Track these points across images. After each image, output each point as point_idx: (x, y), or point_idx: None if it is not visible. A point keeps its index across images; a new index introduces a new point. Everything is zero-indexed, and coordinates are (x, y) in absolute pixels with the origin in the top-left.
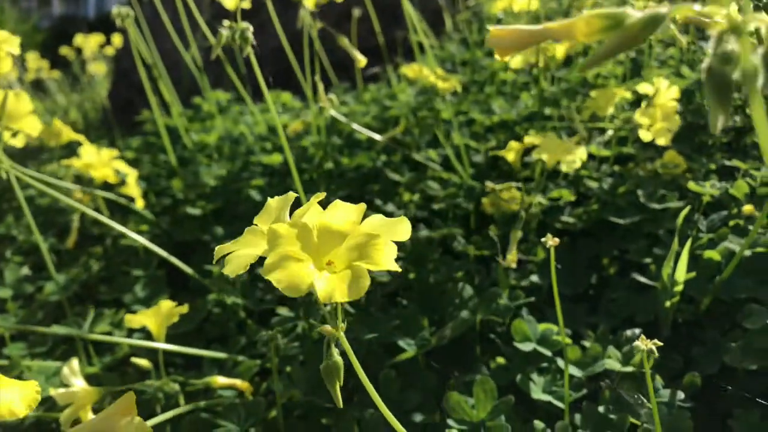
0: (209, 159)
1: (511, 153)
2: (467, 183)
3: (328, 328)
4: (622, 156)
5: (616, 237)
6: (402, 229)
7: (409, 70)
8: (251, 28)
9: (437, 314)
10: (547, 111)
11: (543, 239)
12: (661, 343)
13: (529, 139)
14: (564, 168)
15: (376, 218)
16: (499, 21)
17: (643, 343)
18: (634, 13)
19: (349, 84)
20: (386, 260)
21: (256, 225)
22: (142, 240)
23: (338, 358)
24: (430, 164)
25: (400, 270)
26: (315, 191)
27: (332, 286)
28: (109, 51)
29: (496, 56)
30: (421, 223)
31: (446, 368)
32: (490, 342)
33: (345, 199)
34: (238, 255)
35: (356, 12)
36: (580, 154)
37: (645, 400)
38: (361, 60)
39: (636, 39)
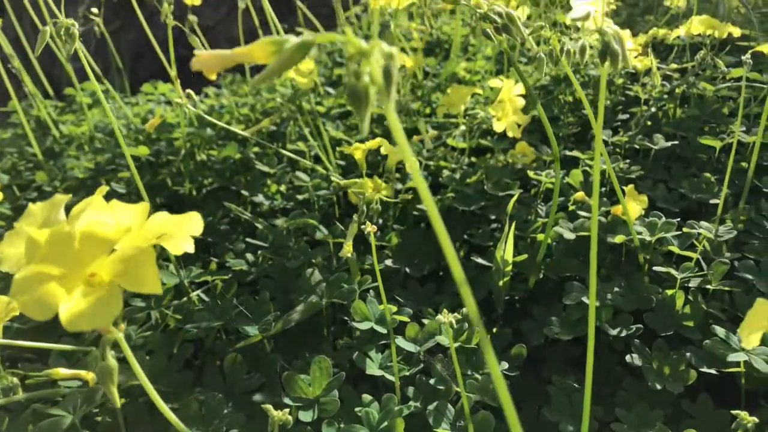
0: (79, 151)
1: (357, 152)
2: (332, 174)
3: (112, 329)
4: (481, 148)
5: (465, 222)
6: (193, 224)
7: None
8: (77, 25)
9: (290, 299)
10: (416, 105)
11: (363, 226)
12: (460, 317)
13: (360, 145)
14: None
15: (161, 216)
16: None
17: (444, 317)
18: (293, 40)
19: (238, 75)
20: (150, 280)
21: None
22: None
23: (112, 361)
24: (295, 157)
25: (161, 292)
26: (182, 183)
27: (78, 311)
28: None
29: (205, 75)
30: (287, 213)
31: (297, 350)
32: (343, 323)
33: (212, 191)
34: (8, 255)
35: (242, 4)
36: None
37: (473, 372)
38: None
39: (291, 61)
